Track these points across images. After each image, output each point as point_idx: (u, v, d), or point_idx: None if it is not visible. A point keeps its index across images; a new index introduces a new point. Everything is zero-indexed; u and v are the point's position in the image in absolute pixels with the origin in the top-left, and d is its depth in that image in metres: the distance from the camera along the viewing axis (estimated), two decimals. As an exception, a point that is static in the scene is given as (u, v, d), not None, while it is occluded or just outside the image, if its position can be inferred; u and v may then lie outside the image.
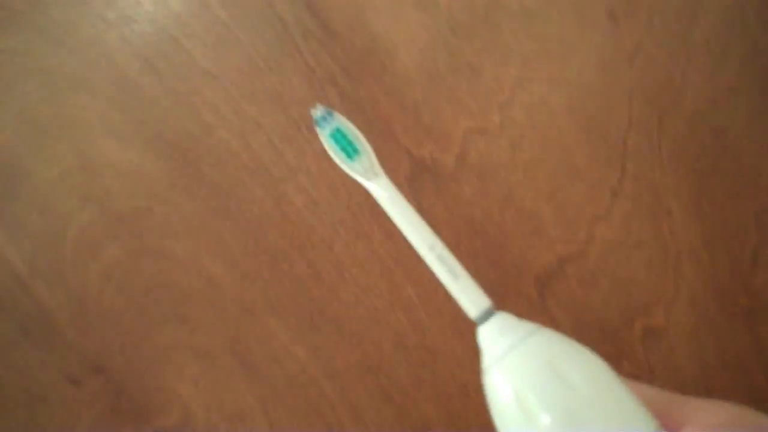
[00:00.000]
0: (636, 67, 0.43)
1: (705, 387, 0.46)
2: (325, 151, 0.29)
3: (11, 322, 0.44)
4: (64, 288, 0.43)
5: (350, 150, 0.28)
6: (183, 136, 0.42)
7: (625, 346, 0.45)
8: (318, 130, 0.28)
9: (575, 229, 0.44)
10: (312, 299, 0.44)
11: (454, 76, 0.43)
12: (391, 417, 0.45)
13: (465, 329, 0.44)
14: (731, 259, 0.45)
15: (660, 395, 0.26)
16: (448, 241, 0.44)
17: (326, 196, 0.43)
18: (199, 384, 0.44)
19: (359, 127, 0.29)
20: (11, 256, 0.43)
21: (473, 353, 0.45)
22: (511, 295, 0.45)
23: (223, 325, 0.44)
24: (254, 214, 0.43)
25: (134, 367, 0.44)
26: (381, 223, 0.43)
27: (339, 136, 0.29)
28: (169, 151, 0.42)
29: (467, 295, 0.27)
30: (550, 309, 0.45)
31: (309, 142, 0.42)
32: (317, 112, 0.29)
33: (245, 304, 0.44)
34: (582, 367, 0.25)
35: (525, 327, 0.26)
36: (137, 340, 0.44)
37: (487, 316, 0.27)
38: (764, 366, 0.46)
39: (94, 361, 0.44)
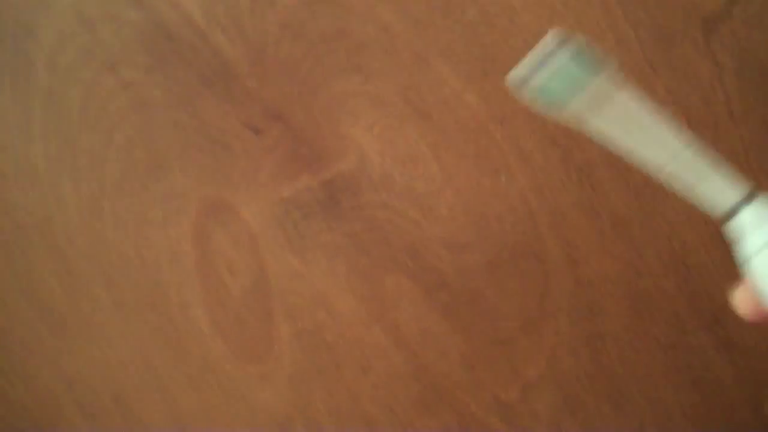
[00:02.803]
0: None
1: None
2: None
3: (193, 73, 0.45)
4: (243, 37, 0.44)
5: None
6: None
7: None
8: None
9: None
10: (483, 45, 0.45)
11: None
12: (556, 158, 0.47)
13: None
14: None
15: None
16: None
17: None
18: (373, 130, 0.47)
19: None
20: (189, 6, 0.44)
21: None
22: (677, 38, 0.45)
23: (396, 73, 0.45)
24: (432, -44, 0.43)
25: (312, 114, 0.46)
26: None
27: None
28: None
29: (725, 181, 0.25)
30: (715, 53, 0.46)
31: None
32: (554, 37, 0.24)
33: (418, 51, 0.45)
34: None
35: None
36: (314, 88, 0.46)
37: (748, 199, 0.25)
38: None
39: (273, 110, 0.46)
